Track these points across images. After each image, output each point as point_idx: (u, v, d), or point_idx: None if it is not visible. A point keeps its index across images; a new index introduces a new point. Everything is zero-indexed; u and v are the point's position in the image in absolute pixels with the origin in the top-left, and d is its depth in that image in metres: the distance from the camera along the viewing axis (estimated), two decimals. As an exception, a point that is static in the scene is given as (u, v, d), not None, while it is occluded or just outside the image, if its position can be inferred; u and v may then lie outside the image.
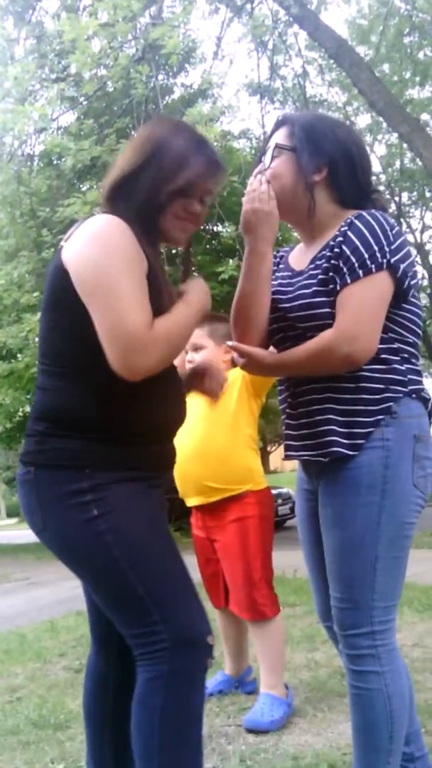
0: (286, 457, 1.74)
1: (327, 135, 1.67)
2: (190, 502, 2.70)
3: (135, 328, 1.40)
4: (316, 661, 3.20)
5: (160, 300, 1.50)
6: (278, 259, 1.86)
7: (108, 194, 1.58)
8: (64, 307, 1.50)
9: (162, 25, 7.38)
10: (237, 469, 2.62)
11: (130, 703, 1.51)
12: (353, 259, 1.56)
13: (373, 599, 1.59)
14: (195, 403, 2.60)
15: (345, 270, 1.57)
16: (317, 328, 1.60)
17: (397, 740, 1.63)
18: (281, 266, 1.83)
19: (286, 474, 27.16)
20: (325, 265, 1.62)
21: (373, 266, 1.55)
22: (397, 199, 18.22)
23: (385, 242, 1.56)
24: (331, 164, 1.67)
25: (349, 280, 1.56)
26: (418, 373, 1.68)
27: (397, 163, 17.22)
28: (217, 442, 2.60)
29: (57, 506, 1.49)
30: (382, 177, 17.97)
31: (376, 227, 1.57)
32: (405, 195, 18.58)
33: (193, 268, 13.40)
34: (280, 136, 1.72)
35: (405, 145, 11.92)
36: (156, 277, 1.51)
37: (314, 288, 1.63)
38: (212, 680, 2.81)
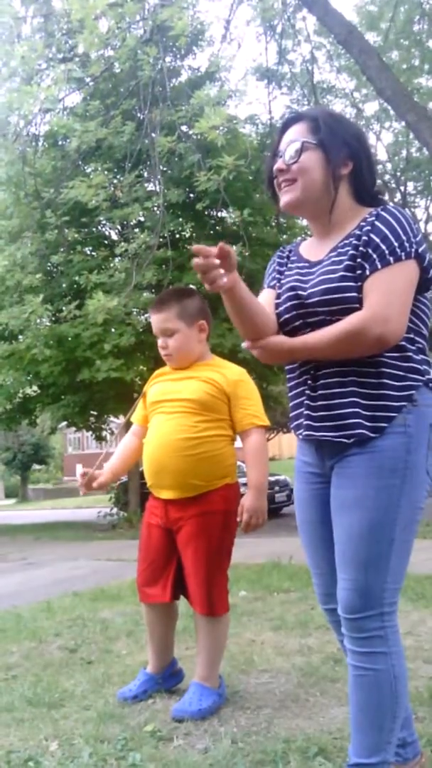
0: (305, 437, 1.75)
1: (348, 130, 1.73)
2: (164, 494, 2.57)
3: None
4: (309, 646, 3.23)
5: None
6: (287, 252, 1.90)
7: None
8: None
9: (171, 6, 7.30)
10: (224, 465, 2.57)
11: None
12: (383, 247, 1.61)
13: (386, 581, 1.63)
14: (179, 396, 2.54)
15: (375, 257, 1.61)
16: (343, 311, 1.63)
17: (399, 720, 1.67)
18: (293, 258, 1.86)
19: (284, 461, 27.25)
20: (351, 252, 1.66)
21: (402, 254, 1.60)
22: (402, 188, 18.10)
23: (411, 233, 1.63)
24: (354, 158, 1.72)
25: (379, 266, 1.60)
26: (429, 363, 1.72)
27: (404, 152, 17.10)
28: (206, 438, 2.52)
29: None
30: (388, 166, 17.85)
31: (402, 219, 1.64)
32: (411, 185, 18.45)
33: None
34: (300, 132, 1.72)
35: (411, 134, 11.83)
36: None
37: (341, 273, 1.66)
38: (135, 681, 2.71)
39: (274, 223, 13.60)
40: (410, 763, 1.81)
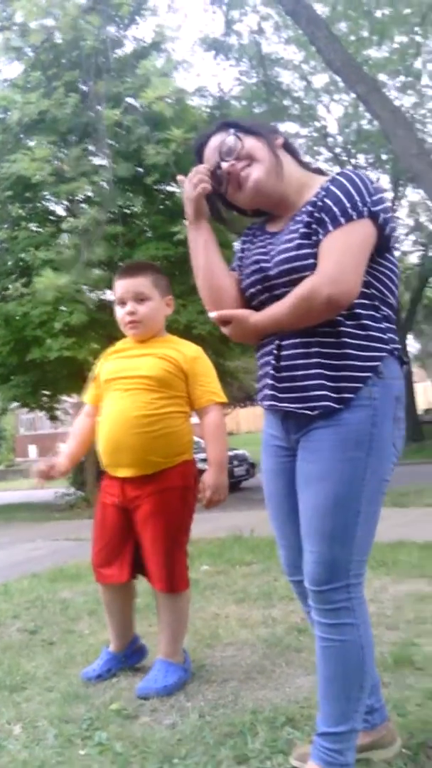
0: (269, 408, 1.72)
1: (255, 120, 1.81)
2: (121, 472, 2.53)
3: None
4: (273, 617, 3.24)
5: None
6: (253, 231, 1.86)
7: None
8: None
9: (113, -28, 7.10)
10: (182, 442, 2.54)
11: None
12: (335, 210, 1.58)
13: (351, 553, 1.63)
14: (136, 373, 2.50)
15: (327, 220, 1.59)
16: (303, 279, 1.59)
17: (366, 690, 1.67)
18: (258, 234, 1.83)
19: (242, 436, 27.38)
20: (307, 219, 1.63)
21: (354, 213, 1.57)
22: (353, 161, 18.10)
23: (366, 193, 1.59)
24: (280, 134, 1.76)
25: (331, 228, 1.58)
26: (395, 332, 1.69)
27: (354, 125, 17.07)
28: (164, 414, 2.48)
29: None
30: (339, 138, 17.83)
31: (357, 181, 1.61)
32: (362, 157, 18.43)
33: (146, 229, 13.21)
34: (223, 140, 1.71)
35: (362, 106, 11.83)
36: None
37: (297, 241, 1.63)
38: (98, 660, 2.69)
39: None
40: (378, 727, 1.82)
